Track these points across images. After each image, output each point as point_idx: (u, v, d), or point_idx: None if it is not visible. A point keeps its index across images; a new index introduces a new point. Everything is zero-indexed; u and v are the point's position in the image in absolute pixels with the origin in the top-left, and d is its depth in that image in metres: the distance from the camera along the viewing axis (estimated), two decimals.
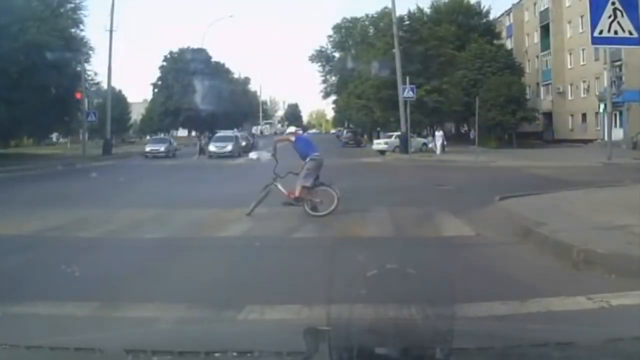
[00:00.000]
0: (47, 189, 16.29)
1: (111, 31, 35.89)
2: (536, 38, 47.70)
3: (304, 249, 7.12)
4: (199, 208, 10.63)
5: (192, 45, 57.00)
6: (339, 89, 58.53)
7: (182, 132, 60.61)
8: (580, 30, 37.55)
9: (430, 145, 32.21)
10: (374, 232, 8.28)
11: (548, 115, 46.10)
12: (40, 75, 27.90)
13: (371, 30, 50.75)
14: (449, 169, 22.30)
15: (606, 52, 28.24)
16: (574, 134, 41.58)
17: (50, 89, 31.10)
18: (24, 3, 29.41)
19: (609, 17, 7.98)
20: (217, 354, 1.53)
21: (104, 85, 39.87)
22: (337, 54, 61.30)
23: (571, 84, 43.39)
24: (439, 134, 33.06)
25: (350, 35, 58.49)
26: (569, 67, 43.40)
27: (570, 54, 42.99)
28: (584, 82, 41.02)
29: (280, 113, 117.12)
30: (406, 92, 29.19)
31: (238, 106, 58.24)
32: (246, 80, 75.07)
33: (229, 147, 32.29)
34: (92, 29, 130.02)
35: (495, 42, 47.05)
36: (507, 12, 52.92)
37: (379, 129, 46.68)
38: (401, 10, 47.72)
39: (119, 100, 53.63)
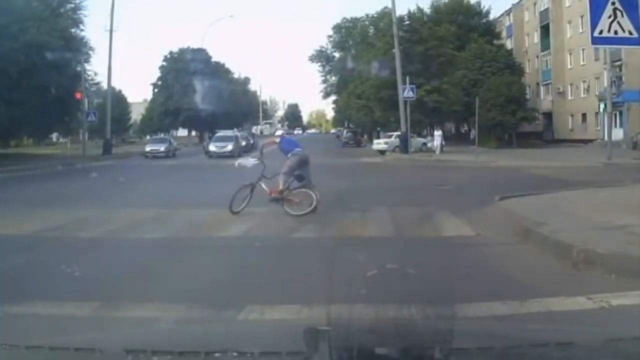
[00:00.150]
0: (47, 189, 16.28)
1: (111, 31, 35.94)
2: (536, 38, 47.70)
3: (304, 249, 7.12)
4: (199, 208, 10.62)
5: (192, 45, 57.14)
6: (339, 89, 58.52)
7: (182, 132, 60.63)
8: (580, 30, 37.55)
9: (429, 145, 32.20)
10: (374, 232, 8.28)
11: (548, 115, 46.10)
12: (40, 75, 27.90)
13: (371, 30, 50.74)
14: (449, 169, 22.30)
15: (606, 52, 28.23)
16: (574, 134, 41.58)
17: (50, 89, 31.09)
18: (24, 3, 29.40)
19: (609, 17, 7.98)
20: (217, 354, 1.53)
21: (104, 85, 39.93)
22: (337, 54, 61.35)
23: (571, 84, 43.38)
24: (437, 133, 33.04)
25: (350, 35, 58.47)
26: (569, 67, 43.40)
27: (570, 54, 42.99)
28: (584, 82, 41.02)
29: (280, 113, 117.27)
30: (406, 92, 29.18)
31: (238, 106, 58.25)
32: (246, 80, 75.19)
33: (229, 147, 32.28)
34: (92, 29, 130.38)
35: (495, 42, 47.04)
36: (507, 12, 52.93)
37: (379, 129, 46.68)
38: (401, 10, 47.84)
39: (119, 100, 53.62)
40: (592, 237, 6.41)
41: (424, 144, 33.86)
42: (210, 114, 48.34)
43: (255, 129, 71.37)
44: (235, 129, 41.45)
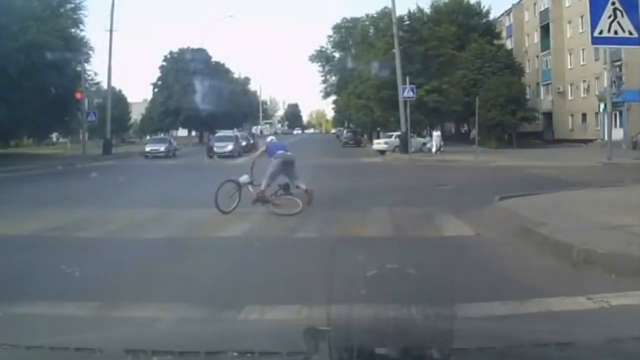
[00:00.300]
0: (47, 189, 16.29)
1: (111, 31, 35.94)
2: (536, 38, 47.69)
3: (304, 249, 7.12)
4: (199, 208, 10.62)
5: (192, 45, 57.02)
6: (339, 89, 58.49)
7: (182, 132, 60.57)
8: (580, 30, 37.54)
9: (428, 145, 32.13)
10: (374, 232, 8.28)
11: (548, 115, 46.09)
12: (40, 75, 27.90)
13: (371, 30, 50.69)
14: (449, 168, 22.30)
15: (606, 52, 28.22)
16: (574, 134, 41.57)
17: (50, 89, 31.11)
18: (24, 3, 29.41)
19: (609, 17, 7.98)
20: (217, 354, 1.53)
21: (104, 85, 39.93)
22: (337, 54, 61.27)
23: (571, 84, 43.38)
24: (436, 134, 32.98)
25: (350, 35, 58.41)
26: (569, 67, 43.39)
27: (570, 54, 42.98)
28: (584, 82, 41.01)
29: (280, 113, 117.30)
30: (406, 92, 29.17)
31: (238, 106, 58.18)
32: (246, 80, 75.11)
33: (229, 147, 32.31)
34: (92, 29, 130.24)
35: (495, 42, 47.03)
36: (507, 12, 52.92)
37: (379, 129, 46.67)
38: (401, 10, 47.74)
39: (119, 100, 53.61)
40: (592, 237, 6.41)
41: (424, 144, 33.85)
42: (210, 114, 48.31)
43: (255, 129, 71.32)
44: (235, 129, 41.45)
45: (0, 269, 6.18)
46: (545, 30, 45.57)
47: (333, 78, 61.94)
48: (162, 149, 34.50)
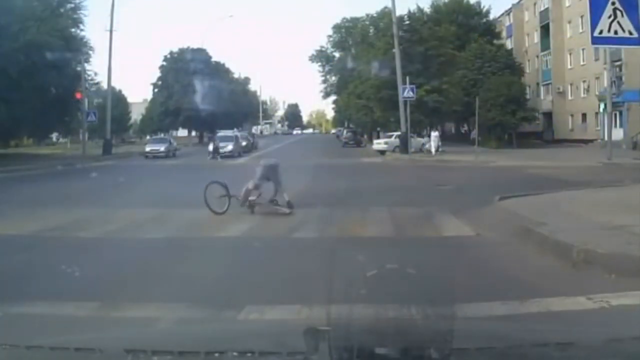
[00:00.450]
0: (47, 189, 16.29)
1: (111, 31, 35.92)
2: (536, 38, 47.68)
3: (304, 249, 7.12)
4: (199, 208, 10.60)
5: (192, 45, 56.92)
6: (339, 89, 58.45)
7: (182, 132, 60.54)
8: (580, 30, 37.52)
9: (427, 146, 31.99)
10: (374, 232, 8.28)
11: (548, 115, 46.08)
12: (40, 75, 27.90)
13: (371, 30, 50.66)
14: (449, 169, 22.30)
15: (606, 52, 28.22)
16: (574, 134, 41.56)
17: (50, 89, 31.10)
18: (24, 3, 29.41)
19: (609, 17, 7.98)
20: (217, 354, 1.53)
21: (104, 85, 39.91)
22: (337, 54, 61.20)
23: (571, 84, 43.37)
24: (434, 134, 32.88)
25: (350, 35, 58.36)
26: (569, 67, 43.38)
27: (570, 54, 42.98)
28: (584, 82, 41.00)
29: (280, 113, 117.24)
30: (406, 92, 29.17)
31: (238, 106, 58.14)
32: (246, 80, 75.04)
33: (229, 147, 32.32)
34: (92, 29, 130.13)
35: (495, 42, 47.00)
36: (507, 12, 52.91)
37: (379, 129, 46.65)
38: (401, 10, 47.62)
39: (119, 100, 53.59)
40: (592, 237, 6.41)
41: (424, 144, 33.81)
42: (210, 114, 48.28)
43: (255, 129, 71.29)
44: (235, 129, 41.46)
45: (0, 269, 6.18)
46: (545, 30, 45.56)
47: (333, 78, 61.90)
48: (162, 149, 34.50)
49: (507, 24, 52.72)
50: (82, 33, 34.95)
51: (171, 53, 57.09)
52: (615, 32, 8.01)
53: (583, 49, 39.10)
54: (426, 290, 3.97)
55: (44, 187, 16.98)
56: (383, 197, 12.57)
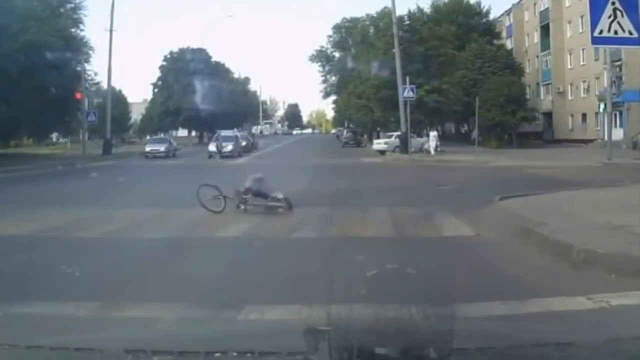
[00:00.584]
0: (47, 189, 16.29)
1: (111, 31, 35.91)
2: (536, 38, 47.67)
3: (304, 249, 7.12)
4: (199, 208, 10.61)
5: (192, 45, 56.93)
6: (339, 89, 58.43)
7: (182, 132, 60.56)
8: (580, 30, 37.52)
9: (426, 147, 31.87)
10: (374, 232, 8.28)
11: (548, 115, 46.07)
12: (40, 75, 27.89)
13: (371, 30, 50.66)
14: (449, 169, 22.31)
15: (606, 52, 28.21)
16: (574, 134, 41.56)
17: (50, 89, 31.08)
18: (24, 3, 29.39)
19: (609, 17, 7.98)
20: (217, 354, 1.53)
21: (104, 85, 39.89)
22: (337, 54, 61.19)
23: (571, 84, 43.36)
24: (433, 134, 32.80)
25: (350, 35, 58.36)
26: (569, 67, 43.38)
27: (570, 54, 42.97)
28: (584, 82, 41.00)
29: (280, 113, 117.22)
30: (406, 92, 29.17)
31: (238, 106, 58.14)
32: (246, 80, 75.02)
33: (229, 147, 32.35)
34: (92, 29, 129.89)
35: (495, 42, 47.01)
36: (507, 12, 52.90)
37: (379, 129, 46.64)
38: (401, 10, 47.62)
39: (119, 100, 53.57)
40: (592, 237, 6.42)
41: (423, 144, 33.76)
42: (210, 114, 48.29)
43: (255, 129, 71.31)
44: (235, 129, 41.48)
45: (0, 269, 6.18)
46: (545, 30, 45.55)
47: (333, 78, 61.88)
48: (162, 149, 34.51)
49: (507, 24, 52.71)
50: (82, 33, 34.96)
51: (171, 53, 57.11)
52: (615, 32, 8.01)
53: (583, 49, 39.09)
54: (426, 290, 3.98)
55: (44, 187, 16.97)
56: (383, 197, 12.57)
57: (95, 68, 66.99)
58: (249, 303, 4.60)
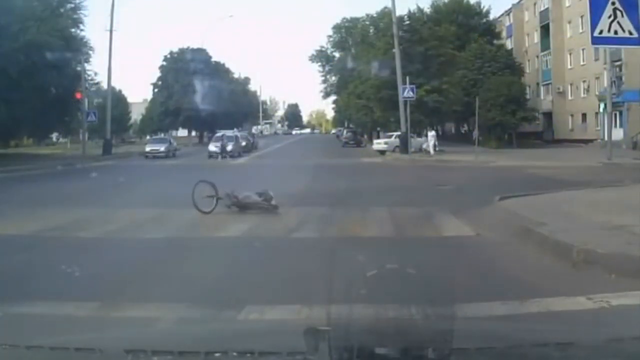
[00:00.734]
0: (47, 189, 16.29)
1: (111, 31, 35.93)
2: (536, 38, 47.67)
3: (304, 249, 7.12)
4: None
5: (192, 45, 56.91)
6: (339, 89, 58.43)
7: (182, 132, 60.56)
8: (580, 30, 37.51)
9: (424, 147, 31.71)
10: (374, 232, 8.28)
11: (548, 115, 46.08)
12: (40, 75, 27.89)
13: (371, 30, 50.66)
14: (449, 169, 22.31)
15: (606, 52, 28.21)
16: (574, 134, 41.56)
17: (50, 89, 31.08)
18: (24, 3, 29.39)
19: (609, 17, 7.98)
20: (217, 354, 1.53)
21: (104, 85, 39.89)
22: (337, 54, 61.19)
23: (571, 84, 43.36)
24: (431, 134, 32.68)
25: (350, 35, 58.36)
26: (569, 67, 43.38)
27: (570, 54, 42.97)
28: (584, 82, 41.00)
29: (280, 113, 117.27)
30: (406, 92, 29.17)
31: (238, 106, 58.13)
32: (246, 80, 75.01)
33: (229, 147, 32.39)
34: (92, 29, 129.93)
35: (495, 42, 47.03)
36: (507, 12, 52.91)
37: (379, 129, 46.65)
38: (401, 10, 47.59)
39: (119, 100, 53.55)
40: (592, 237, 6.41)
41: (423, 144, 33.64)
42: (210, 114, 48.28)
43: (256, 129, 71.31)
44: (235, 129, 41.50)
45: (0, 269, 6.18)
46: (545, 30, 45.55)
47: (333, 78, 61.89)
48: (162, 149, 34.52)
49: (507, 24, 52.72)
50: (82, 33, 34.96)
51: (171, 53, 57.11)
52: (615, 32, 8.01)
53: (583, 49, 39.09)
54: (426, 290, 3.98)
55: (44, 187, 16.97)
56: (383, 197, 12.57)
57: (95, 68, 67.06)
58: (249, 303, 4.60)
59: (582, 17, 35.00)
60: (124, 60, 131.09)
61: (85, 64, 34.60)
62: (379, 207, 10.58)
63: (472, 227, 8.31)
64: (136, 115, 67.45)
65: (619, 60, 33.07)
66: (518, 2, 51.16)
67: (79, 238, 8.00)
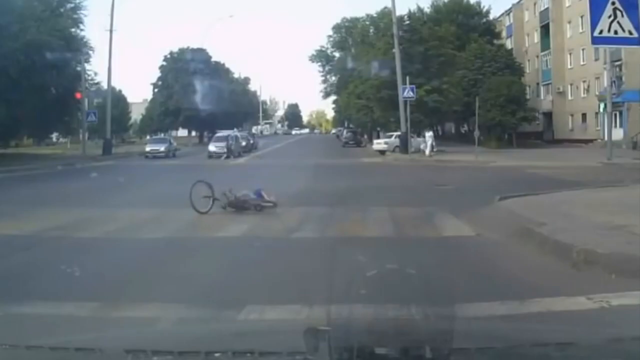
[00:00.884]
0: (47, 189, 16.28)
1: (111, 31, 35.92)
2: (536, 38, 47.67)
3: (304, 249, 7.12)
4: None
5: (192, 45, 56.86)
6: (339, 89, 58.41)
7: (182, 132, 60.57)
8: (580, 30, 37.49)
9: (422, 147, 31.49)
10: (374, 232, 8.28)
11: (548, 115, 46.08)
12: (40, 75, 27.89)
13: (371, 30, 50.67)
14: (449, 169, 22.30)
15: (606, 52, 28.20)
16: (574, 134, 41.55)
17: (50, 89, 31.09)
18: (24, 3, 29.42)
19: (609, 17, 7.98)
20: (217, 354, 1.53)
21: (104, 85, 39.87)
22: (337, 54, 61.19)
23: (571, 84, 43.35)
24: (428, 134, 32.51)
25: (350, 35, 58.36)
26: (569, 67, 43.37)
27: (570, 54, 42.96)
28: (584, 82, 40.99)
29: (280, 113, 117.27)
30: (406, 92, 29.17)
31: (238, 106, 58.10)
32: (246, 80, 74.99)
33: (225, 148, 32.35)
34: (92, 29, 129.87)
35: (495, 42, 47.02)
36: (507, 12, 52.90)
37: (379, 129, 46.66)
38: (401, 10, 47.61)
39: (119, 100, 53.60)
40: (592, 237, 6.41)
41: (421, 144, 33.45)
42: (210, 114, 48.25)
43: (256, 129, 71.32)
44: (235, 129, 41.49)
45: (1, 269, 6.18)
46: (545, 30, 45.55)
47: (333, 78, 61.88)
48: (162, 149, 34.52)
49: (507, 24, 52.72)
50: (82, 33, 34.97)
51: (171, 53, 57.12)
52: (615, 32, 8.01)
53: (583, 49, 39.08)
54: (426, 290, 3.98)
55: (43, 187, 16.97)
56: (383, 197, 12.57)
57: (95, 68, 66.65)
58: (249, 303, 4.60)
59: (582, 17, 34.97)
60: (124, 60, 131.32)
61: (85, 64, 34.63)
62: (379, 207, 10.58)
63: (472, 227, 8.30)
64: (136, 115, 67.49)
65: (619, 60, 33.07)
66: (518, 2, 51.15)
67: (79, 238, 8.00)
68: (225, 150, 31.54)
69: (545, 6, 45.15)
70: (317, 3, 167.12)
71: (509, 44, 50.03)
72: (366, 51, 43.23)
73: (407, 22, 38.27)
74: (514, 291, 5.00)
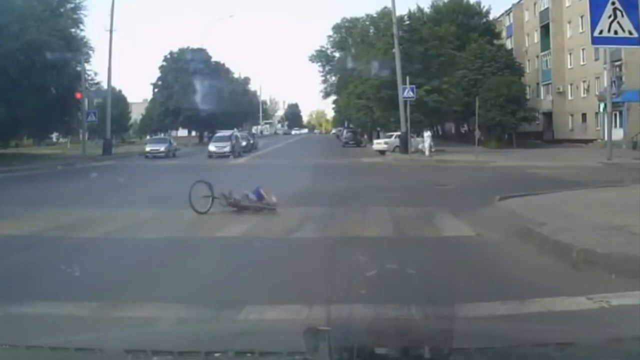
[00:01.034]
0: (47, 188, 16.29)
1: (111, 31, 35.92)
2: (536, 38, 47.66)
3: (304, 249, 7.12)
4: None
5: (192, 45, 56.86)
6: (339, 89, 58.39)
7: (182, 132, 60.57)
8: (580, 30, 37.49)
9: (420, 147, 31.45)
10: (374, 232, 8.28)
11: (548, 115, 46.07)
12: (40, 75, 27.90)
13: (371, 30, 50.66)
14: (449, 169, 22.30)
15: (606, 52, 28.19)
16: (574, 134, 41.55)
17: (50, 89, 31.10)
18: (24, 3, 29.42)
19: (609, 17, 7.98)
20: (217, 354, 1.54)
21: (104, 85, 39.89)
22: (337, 54, 61.16)
23: (571, 84, 43.35)
24: (427, 134, 32.48)
25: (350, 35, 58.35)
26: (569, 67, 43.36)
27: (570, 54, 42.95)
28: (584, 82, 40.98)
29: (280, 113, 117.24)
30: (406, 92, 29.16)
31: (238, 106, 58.09)
32: (246, 80, 74.98)
33: (227, 148, 32.40)
34: (92, 29, 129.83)
35: (495, 42, 47.00)
36: (507, 12, 52.90)
37: (379, 129, 46.66)
38: (401, 10, 47.62)
39: (119, 100, 53.59)
40: (592, 237, 6.41)
41: (420, 144, 33.40)
42: (210, 114, 48.23)
43: (256, 129, 71.31)
44: (235, 129, 41.49)
45: (1, 269, 6.18)
46: (545, 30, 45.54)
47: (333, 78, 61.85)
48: (162, 149, 34.53)
49: (507, 24, 52.71)
50: (82, 33, 34.97)
51: (171, 53, 57.12)
52: (615, 32, 8.01)
53: (583, 49, 39.08)
54: (426, 290, 3.98)
55: (43, 187, 16.97)
56: (383, 197, 12.56)
57: (95, 68, 66.63)
58: (249, 303, 4.60)
59: (582, 17, 34.96)
60: (124, 60, 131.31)
61: (85, 64, 34.64)
62: (379, 207, 10.58)
63: (472, 227, 8.30)
64: (136, 115, 67.48)
65: (619, 60, 33.06)
66: (518, 2, 51.15)
67: (79, 238, 8.00)
68: (229, 149, 31.59)
69: (545, 6, 45.15)
70: (317, 3, 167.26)
71: (509, 44, 50.02)
72: (366, 51, 43.22)
73: (407, 22, 38.27)
74: (514, 291, 5.00)
